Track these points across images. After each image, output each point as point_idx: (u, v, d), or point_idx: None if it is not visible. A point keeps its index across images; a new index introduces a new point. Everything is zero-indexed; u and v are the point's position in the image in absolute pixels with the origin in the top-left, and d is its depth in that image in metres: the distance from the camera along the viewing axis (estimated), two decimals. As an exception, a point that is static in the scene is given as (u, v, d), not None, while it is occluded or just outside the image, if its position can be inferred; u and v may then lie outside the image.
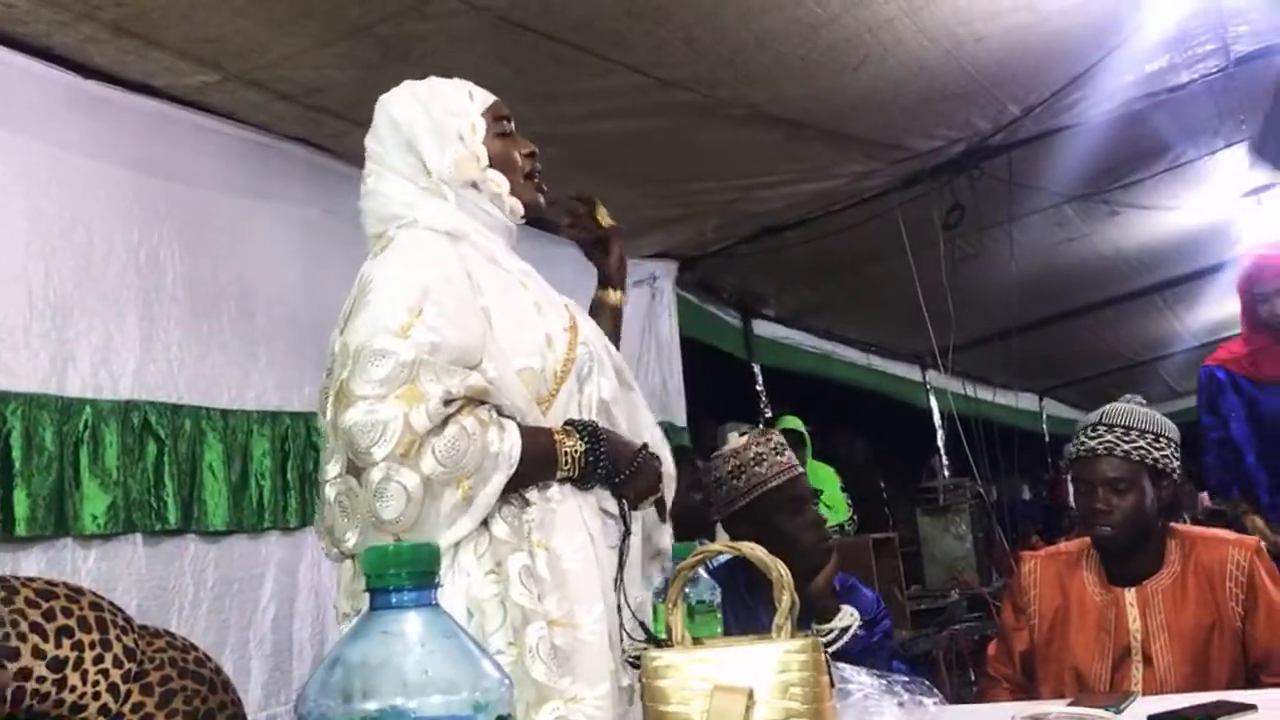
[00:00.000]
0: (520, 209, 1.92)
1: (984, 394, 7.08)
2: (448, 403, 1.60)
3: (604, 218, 2.21)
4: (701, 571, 1.68)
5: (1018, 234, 5.22)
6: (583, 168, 3.88)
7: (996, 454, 6.15)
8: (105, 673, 1.88)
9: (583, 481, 1.76)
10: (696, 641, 1.42)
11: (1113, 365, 8.60)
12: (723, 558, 2.31)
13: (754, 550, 1.38)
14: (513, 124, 1.96)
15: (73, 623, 1.88)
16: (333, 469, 1.62)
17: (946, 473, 7.21)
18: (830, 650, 2.31)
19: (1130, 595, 2.35)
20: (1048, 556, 2.53)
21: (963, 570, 5.92)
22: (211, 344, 3.01)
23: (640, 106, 3.52)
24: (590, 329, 1.92)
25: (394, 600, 0.73)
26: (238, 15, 2.70)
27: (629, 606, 1.71)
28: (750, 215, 4.76)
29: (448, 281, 1.71)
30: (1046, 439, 10.12)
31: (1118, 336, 7.96)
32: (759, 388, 6.00)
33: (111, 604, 2.03)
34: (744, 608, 2.42)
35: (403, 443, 1.55)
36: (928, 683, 1.66)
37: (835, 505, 5.72)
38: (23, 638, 1.80)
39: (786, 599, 1.33)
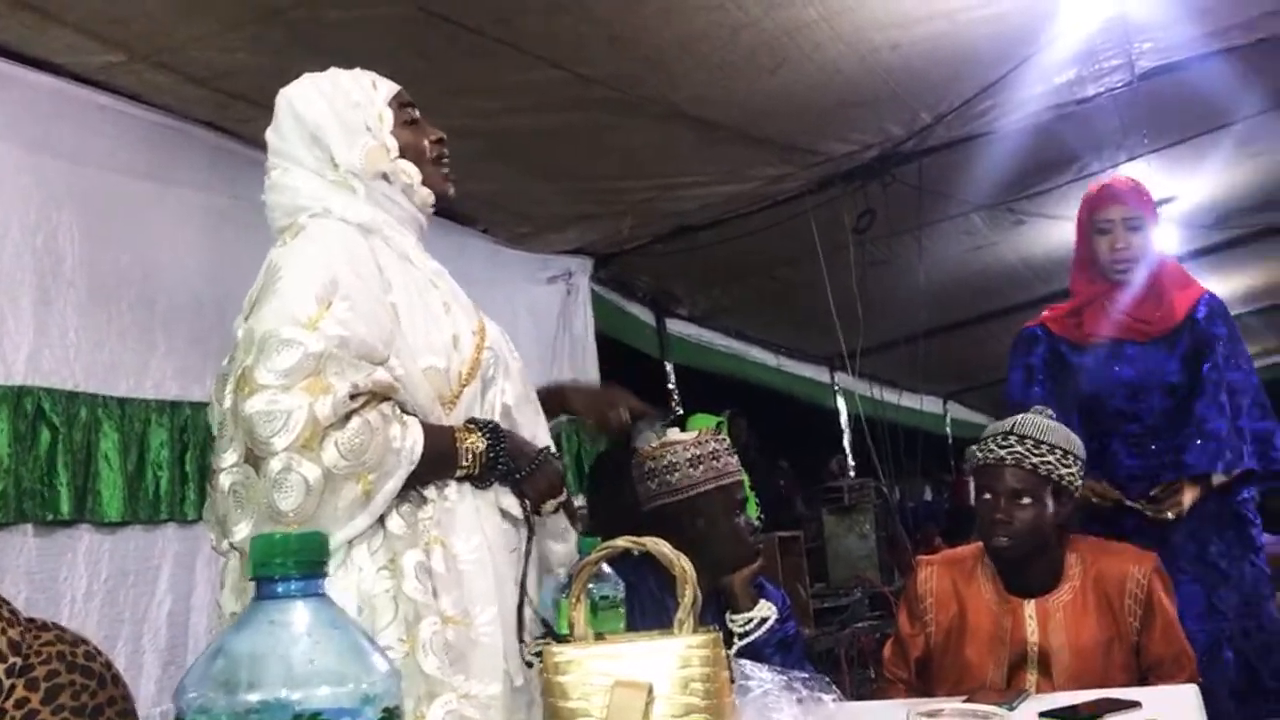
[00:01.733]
0: (431, 199, 1.90)
1: (890, 396, 7.19)
2: (353, 397, 1.58)
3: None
4: (606, 567, 1.69)
5: (927, 240, 5.31)
6: (500, 161, 3.86)
7: (901, 455, 6.25)
8: (-11, 666, 1.82)
9: (482, 480, 1.75)
10: (599, 637, 1.42)
11: (1016, 371, 8.79)
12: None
13: (658, 545, 1.39)
14: (417, 110, 1.94)
15: (-45, 614, 1.82)
16: (229, 457, 1.59)
17: (852, 473, 7.32)
18: (748, 640, 2.35)
19: (1030, 608, 2.38)
20: (943, 563, 2.55)
21: (866, 569, 6.01)
22: (110, 330, 2.92)
23: (559, 102, 3.51)
24: (496, 333, 1.91)
25: (281, 590, 0.71)
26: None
27: (531, 605, 1.70)
28: (666, 214, 4.78)
29: (358, 275, 1.69)
30: (950, 441, 10.33)
31: (1021, 343, 8.13)
32: (671, 386, 6.03)
33: (-3, 595, 1.96)
34: (656, 603, 2.43)
35: (305, 434, 1.53)
36: (827, 679, 1.68)
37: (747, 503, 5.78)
38: (-99, 629, 1.74)
39: (689, 594, 1.34)
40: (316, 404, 1.54)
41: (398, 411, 1.66)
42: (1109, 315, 3.01)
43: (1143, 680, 2.32)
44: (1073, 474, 2.40)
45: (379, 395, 1.63)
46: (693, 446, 2.49)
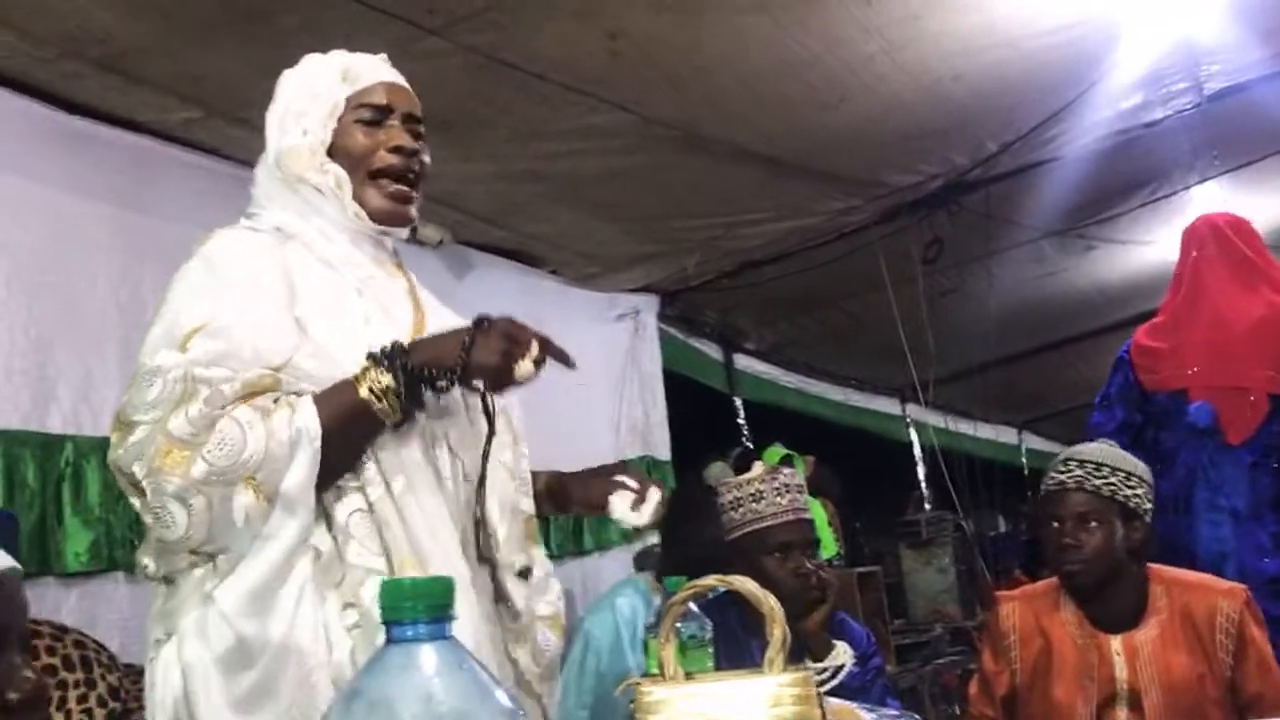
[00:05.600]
0: (364, 216, 1.61)
1: (964, 427, 7.10)
2: (219, 405, 1.40)
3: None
4: (693, 605, 1.68)
5: (996, 268, 5.27)
6: (565, 204, 3.90)
7: (977, 487, 6.16)
8: (89, 712, 1.86)
9: (407, 416, 1.48)
10: (688, 676, 1.41)
11: (1090, 398, 8.63)
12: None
13: (746, 584, 1.38)
14: (395, 118, 1.64)
15: (56, 661, 1.87)
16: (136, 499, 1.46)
17: (928, 506, 7.22)
18: (825, 689, 2.32)
19: (1116, 643, 2.29)
20: (1024, 598, 2.48)
21: (945, 604, 5.92)
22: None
23: (623, 144, 3.54)
24: None
25: (410, 633, 0.74)
26: (220, 55, 2.72)
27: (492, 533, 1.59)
28: (731, 251, 4.79)
29: (254, 285, 1.52)
30: (1025, 472, 10.14)
31: (1095, 370, 7.96)
32: (740, 421, 6.02)
33: (96, 642, 2.01)
34: (735, 642, 2.41)
35: (161, 454, 1.38)
36: (918, 717, 1.66)
37: (824, 540, 5.73)
38: (6, 678, 1.78)
39: (778, 633, 1.33)
40: (171, 422, 1.38)
41: (284, 400, 1.44)
42: None
43: (1241, 718, 2.26)
44: (1139, 496, 2.34)
45: (257, 394, 1.43)
46: (759, 482, 2.50)
